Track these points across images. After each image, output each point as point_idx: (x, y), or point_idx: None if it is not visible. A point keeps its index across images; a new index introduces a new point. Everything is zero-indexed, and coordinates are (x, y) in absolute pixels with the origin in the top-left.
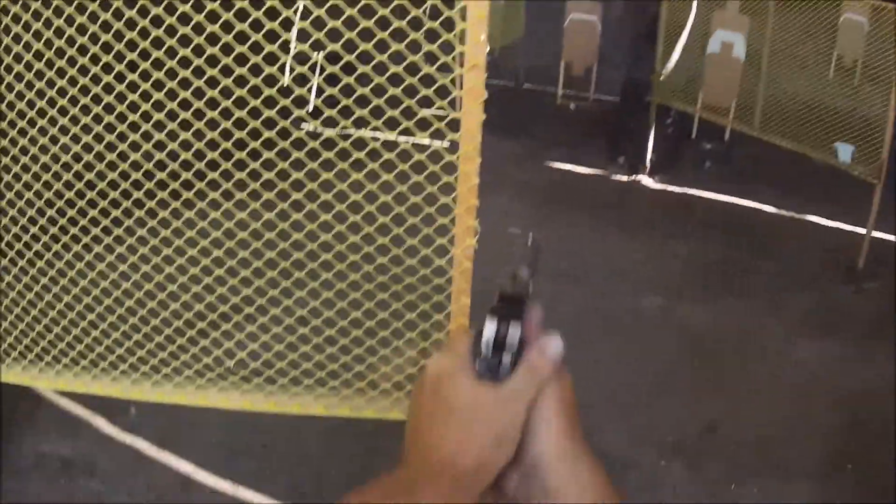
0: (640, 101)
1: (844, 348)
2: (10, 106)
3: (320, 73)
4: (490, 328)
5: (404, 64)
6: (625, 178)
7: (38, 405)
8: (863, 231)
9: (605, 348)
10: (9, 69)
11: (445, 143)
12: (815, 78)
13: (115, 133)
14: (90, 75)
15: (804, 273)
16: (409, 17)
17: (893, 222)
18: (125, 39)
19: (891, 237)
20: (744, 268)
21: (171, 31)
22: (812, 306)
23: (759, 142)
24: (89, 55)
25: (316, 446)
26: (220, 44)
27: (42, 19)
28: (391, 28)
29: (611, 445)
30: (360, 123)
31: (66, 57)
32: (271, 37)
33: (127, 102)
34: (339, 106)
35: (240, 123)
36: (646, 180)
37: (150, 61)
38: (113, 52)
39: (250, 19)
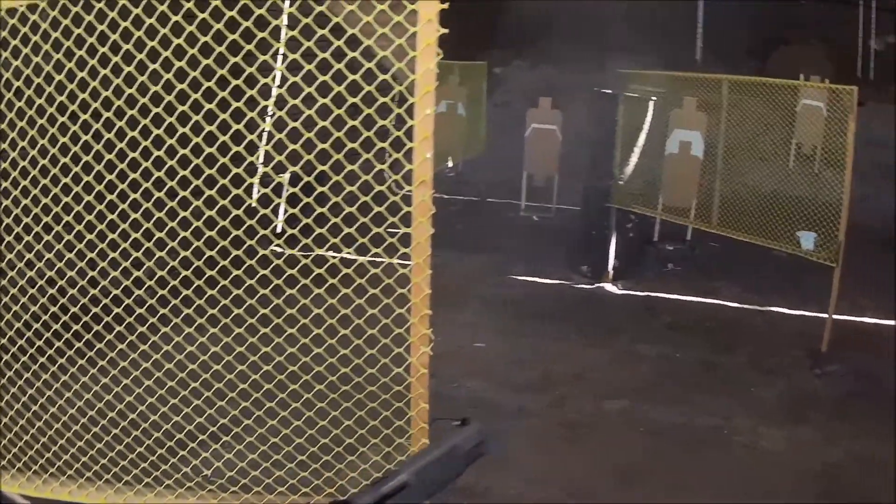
0: (601, 208)
1: (811, 432)
2: None
3: (287, 198)
4: None
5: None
6: (588, 285)
7: None
8: (825, 316)
9: (565, 451)
10: None
11: (405, 262)
12: (774, 168)
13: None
14: (71, 209)
15: (769, 363)
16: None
17: (853, 304)
18: (94, 170)
19: (852, 318)
20: (709, 365)
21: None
22: (778, 394)
23: (720, 237)
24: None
25: None
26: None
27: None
28: (358, 160)
29: None
30: (323, 243)
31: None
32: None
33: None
34: (316, 233)
35: (212, 245)
36: (609, 286)
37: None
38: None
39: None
